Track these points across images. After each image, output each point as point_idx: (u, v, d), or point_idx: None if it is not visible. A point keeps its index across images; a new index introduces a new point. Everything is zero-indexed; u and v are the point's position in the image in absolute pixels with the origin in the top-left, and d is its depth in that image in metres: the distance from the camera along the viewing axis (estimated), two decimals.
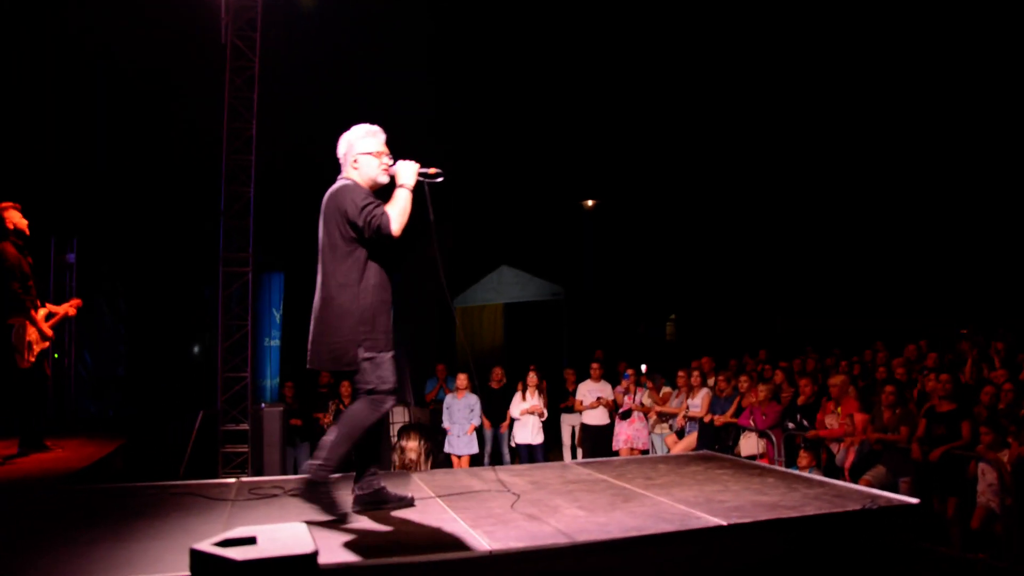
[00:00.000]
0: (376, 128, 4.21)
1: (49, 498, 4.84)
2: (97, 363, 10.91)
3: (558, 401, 11.10)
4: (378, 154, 4.13)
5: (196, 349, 13.51)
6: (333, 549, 3.42)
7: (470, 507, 4.28)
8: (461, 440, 9.97)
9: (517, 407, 10.34)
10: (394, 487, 4.41)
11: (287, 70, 10.25)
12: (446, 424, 10.21)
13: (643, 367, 11.74)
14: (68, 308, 6.86)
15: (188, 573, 2.57)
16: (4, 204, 6.49)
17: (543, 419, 10.27)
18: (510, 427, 10.50)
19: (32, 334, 6.33)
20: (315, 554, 2.27)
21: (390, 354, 4.03)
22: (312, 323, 4.06)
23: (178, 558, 3.25)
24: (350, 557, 3.32)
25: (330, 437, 3.98)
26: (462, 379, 10.10)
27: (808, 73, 16.22)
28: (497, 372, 11.00)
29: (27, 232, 6.54)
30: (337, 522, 3.93)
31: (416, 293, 16.15)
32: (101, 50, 10.76)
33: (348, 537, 3.66)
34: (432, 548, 3.48)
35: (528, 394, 10.33)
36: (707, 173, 18.10)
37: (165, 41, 10.37)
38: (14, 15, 9.91)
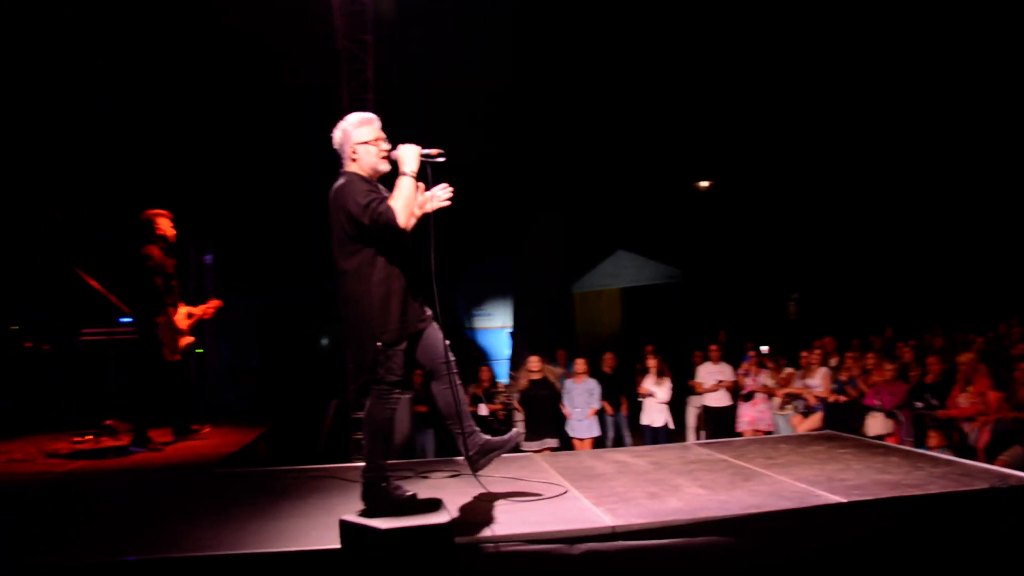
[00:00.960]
0: (370, 115, 4.10)
1: (204, 480, 5.29)
2: (233, 356, 11.61)
3: (682, 383, 11.13)
4: (375, 141, 4.00)
5: (325, 341, 14.17)
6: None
7: (593, 486, 4.46)
8: (582, 424, 10.13)
9: (644, 389, 10.43)
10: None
11: (400, 63, 10.60)
12: (567, 408, 10.40)
13: (764, 348, 11.60)
14: (206, 309, 7.32)
15: (339, 545, 2.83)
16: (157, 212, 7.02)
17: (663, 401, 10.30)
18: (630, 410, 10.61)
19: (179, 328, 6.85)
20: (451, 524, 2.48)
21: (402, 346, 3.97)
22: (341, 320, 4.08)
23: (323, 533, 3.57)
24: (482, 532, 3.54)
25: (364, 443, 4.06)
26: (580, 363, 10.26)
27: (937, 41, 15.56)
28: (609, 357, 11.12)
29: (173, 240, 7.05)
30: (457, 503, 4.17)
31: (534, 279, 16.39)
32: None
33: (474, 516, 3.91)
34: (556, 523, 3.69)
35: (650, 376, 10.41)
36: (826, 151, 17.59)
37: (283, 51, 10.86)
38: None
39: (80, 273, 7.38)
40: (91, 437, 7.12)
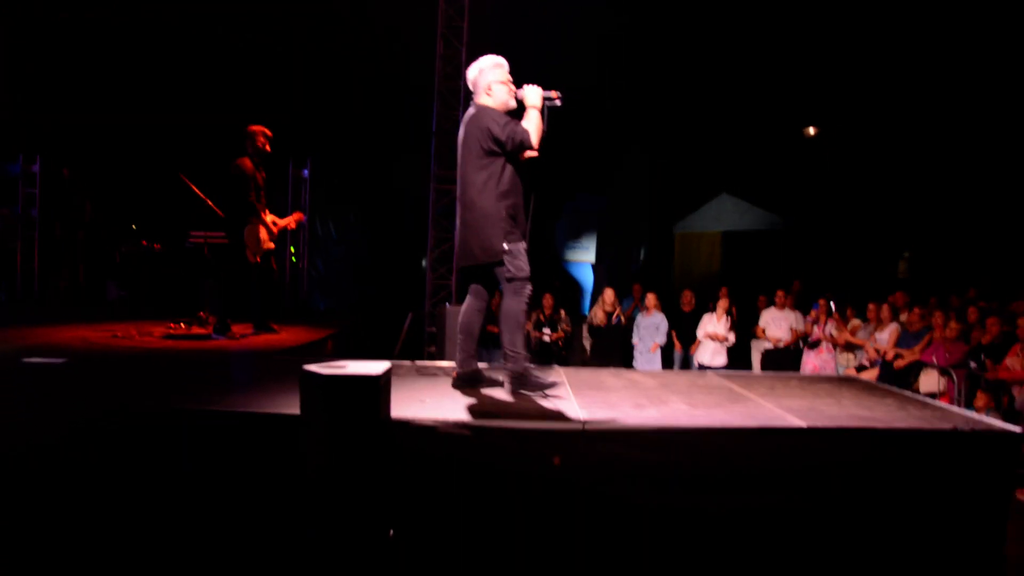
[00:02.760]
0: (502, 59, 4.84)
1: (266, 363, 6.02)
2: (328, 267, 12.47)
3: (751, 326, 11.31)
4: (506, 82, 4.78)
5: (424, 262, 14.89)
6: (457, 412, 4.19)
7: (591, 395, 4.90)
8: (644, 356, 10.52)
9: (703, 328, 10.69)
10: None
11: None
12: (635, 340, 10.79)
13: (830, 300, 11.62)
14: (290, 221, 8.05)
15: None
16: (258, 127, 7.73)
17: (727, 344, 10.55)
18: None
19: (262, 234, 7.57)
20: (379, 378, 2.98)
21: (523, 244, 4.70)
22: (459, 227, 4.88)
23: None
24: (464, 418, 4.05)
25: (504, 339, 4.76)
26: (651, 298, 10.61)
27: None
28: (687, 295, 11.38)
29: (267, 153, 7.73)
30: (477, 395, 4.76)
31: (620, 215, 16.64)
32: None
33: (475, 404, 4.45)
34: (535, 418, 4.16)
35: (717, 318, 10.65)
36: (942, 104, 16.89)
37: None
38: None
39: (185, 179, 8.16)
40: (183, 324, 8.02)
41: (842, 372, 10.09)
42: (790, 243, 17.71)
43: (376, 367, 3.08)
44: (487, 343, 10.91)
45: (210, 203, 8.11)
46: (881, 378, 9.03)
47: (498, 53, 4.98)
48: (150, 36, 12.01)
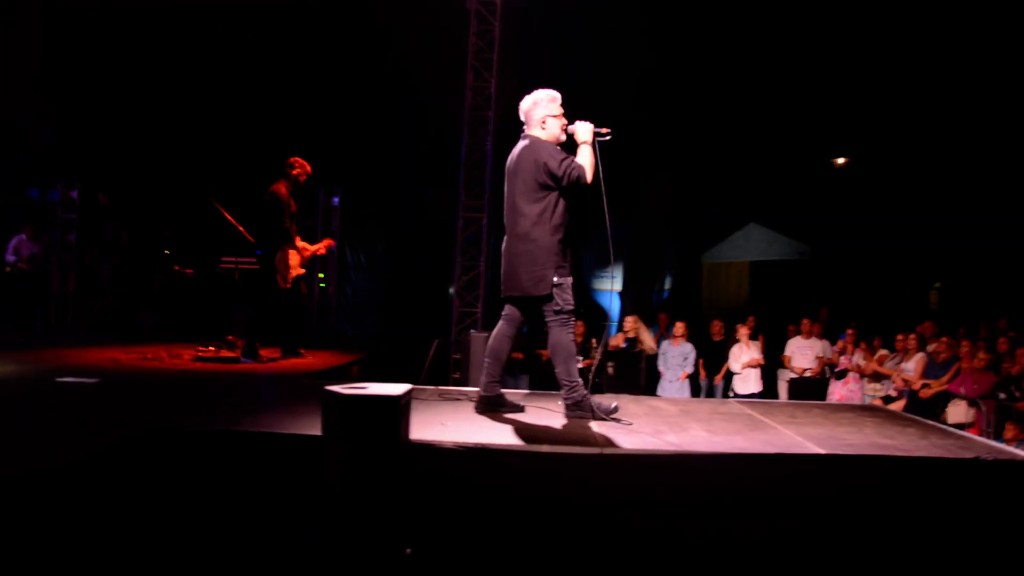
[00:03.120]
0: (556, 93, 4.95)
1: (291, 386, 6.13)
2: (356, 294, 12.64)
3: (778, 355, 11.27)
4: (559, 116, 4.91)
5: (452, 290, 15.02)
6: (476, 435, 4.25)
7: (612, 422, 4.94)
8: (672, 385, 10.50)
9: (736, 361, 10.65)
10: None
11: (527, 30, 11.11)
12: (661, 368, 10.79)
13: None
14: (320, 247, 8.23)
15: None
16: (300, 160, 7.91)
17: (761, 367, 10.50)
18: (725, 378, 10.87)
19: (293, 259, 7.72)
20: (399, 398, 3.05)
21: (570, 279, 4.85)
22: (506, 257, 4.95)
23: None
24: (481, 441, 4.11)
25: (558, 370, 4.89)
26: (679, 327, 10.61)
27: None
28: (717, 325, 11.37)
29: (301, 184, 7.90)
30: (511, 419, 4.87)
31: (646, 244, 16.69)
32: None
33: (494, 428, 4.51)
34: (552, 442, 4.22)
35: (744, 346, 10.62)
36: (974, 131, 16.80)
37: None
38: None
39: (216, 205, 8.35)
40: (213, 348, 8.16)
41: (869, 402, 10.01)
42: (818, 273, 17.63)
43: (396, 388, 3.16)
44: (511, 370, 11.00)
45: (240, 228, 8.28)
46: (908, 408, 8.95)
47: (525, 84, 5.11)
48: (188, 72, 12.34)
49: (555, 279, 4.72)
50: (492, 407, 5.08)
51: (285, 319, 7.95)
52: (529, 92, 5.03)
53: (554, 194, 4.73)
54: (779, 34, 15.61)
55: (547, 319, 4.85)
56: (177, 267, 11.57)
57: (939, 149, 17.06)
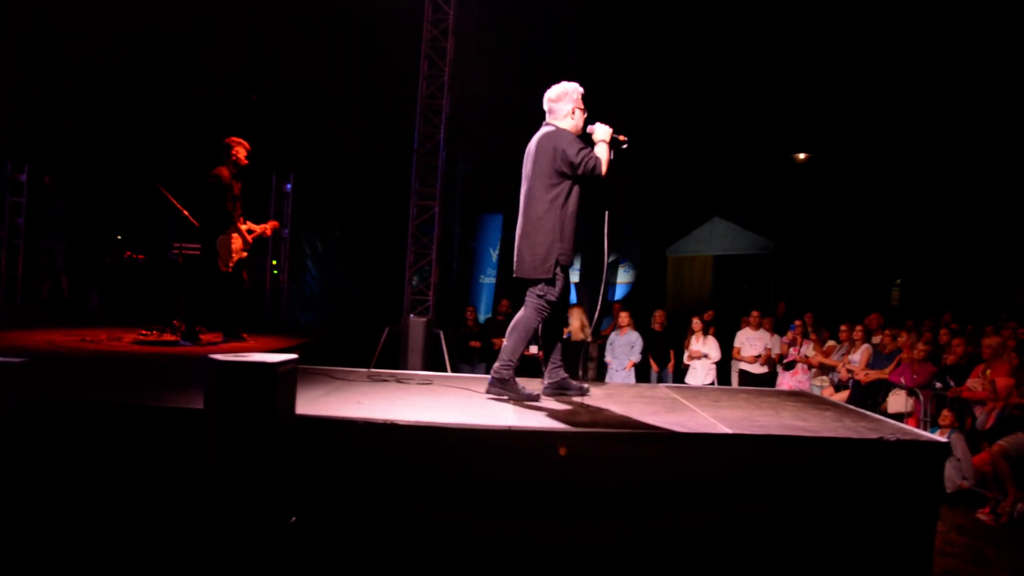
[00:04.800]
0: (581, 88, 5.07)
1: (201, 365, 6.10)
2: (312, 282, 12.58)
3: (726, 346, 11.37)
4: (584, 111, 5.05)
5: (415, 281, 14.98)
6: (380, 412, 4.26)
7: (533, 404, 4.95)
8: (619, 375, 10.57)
9: (688, 352, 10.73)
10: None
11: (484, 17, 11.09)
12: (608, 358, 10.84)
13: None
14: (266, 228, 8.17)
15: None
16: (237, 139, 7.85)
17: (710, 359, 10.58)
18: (680, 371, 10.95)
19: (235, 243, 7.67)
20: (276, 365, 3.04)
21: (563, 275, 4.96)
22: (518, 239, 5.05)
23: None
24: (379, 417, 4.12)
25: (508, 344, 4.99)
26: (624, 316, 10.68)
27: None
28: (659, 315, 11.46)
29: (243, 165, 7.84)
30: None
31: (598, 240, 16.69)
32: None
33: (405, 406, 4.52)
34: (463, 418, 4.23)
35: (695, 339, 10.70)
36: (934, 129, 16.95)
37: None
38: None
39: (161, 189, 8.28)
40: (156, 331, 8.12)
41: (816, 392, 10.10)
42: (780, 267, 17.77)
43: (280, 357, 3.16)
44: (469, 358, 11.03)
45: (185, 212, 8.23)
46: (852, 399, 9.07)
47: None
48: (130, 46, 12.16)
49: (557, 268, 4.86)
50: (560, 391, 5.25)
51: (226, 303, 7.91)
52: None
53: (568, 182, 4.83)
54: (741, 28, 15.68)
55: (527, 299, 4.98)
56: (129, 253, 11.47)
57: (899, 146, 17.21)
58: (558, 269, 4.87)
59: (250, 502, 2.94)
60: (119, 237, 12.37)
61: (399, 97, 10.87)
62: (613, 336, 10.86)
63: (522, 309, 5.01)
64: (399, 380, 5.78)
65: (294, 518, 3.17)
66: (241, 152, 7.79)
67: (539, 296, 4.90)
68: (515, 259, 5.06)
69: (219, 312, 8.00)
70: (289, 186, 11.60)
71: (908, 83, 16.33)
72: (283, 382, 3.11)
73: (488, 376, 5.15)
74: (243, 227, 7.85)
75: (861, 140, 17.27)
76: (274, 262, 11.64)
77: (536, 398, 5.00)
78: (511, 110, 12.55)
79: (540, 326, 5.14)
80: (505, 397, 4.94)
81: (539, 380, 5.54)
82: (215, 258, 7.58)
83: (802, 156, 18.01)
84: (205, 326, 8.10)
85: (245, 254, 7.90)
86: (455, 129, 10.67)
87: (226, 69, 12.18)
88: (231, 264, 7.69)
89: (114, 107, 12.10)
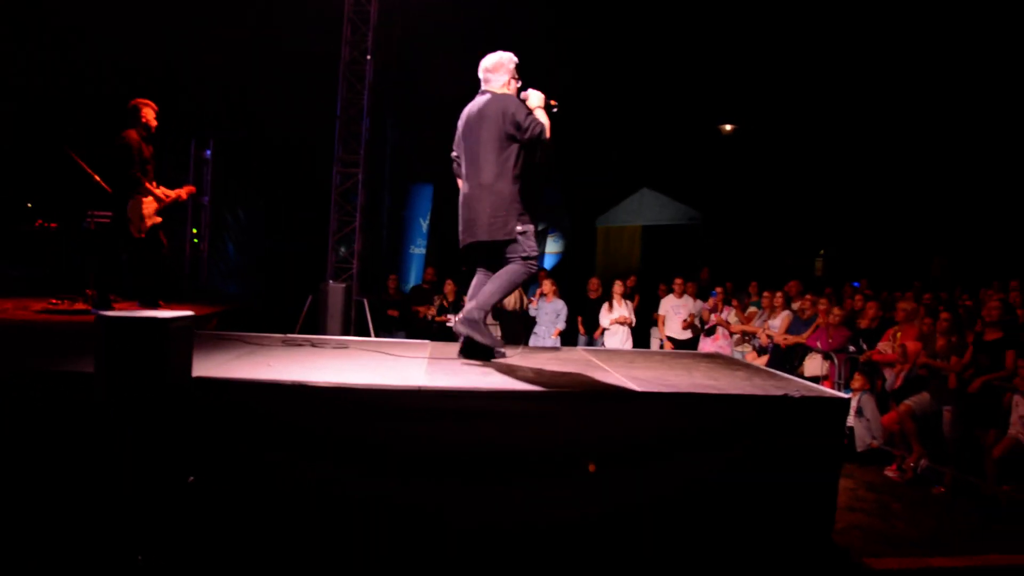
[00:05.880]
0: (516, 58, 5.16)
1: None
2: (234, 251, 12.33)
3: (650, 313, 11.51)
4: (518, 80, 5.14)
5: (343, 250, 14.80)
6: (287, 374, 4.20)
7: (447, 366, 4.94)
8: (546, 343, 10.61)
9: (606, 317, 10.84)
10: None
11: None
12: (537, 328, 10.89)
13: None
14: (181, 192, 7.94)
15: None
16: (144, 101, 7.62)
17: (631, 326, 10.71)
18: (602, 335, 11.05)
19: (147, 208, 7.46)
20: (168, 321, 2.96)
21: (532, 227, 5.01)
22: (467, 205, 5.05)
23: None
24: (282, 378, 4.07)
25: (489, 288, 5.01)
26: (547, 284, 10.73)
27: None
28: (593, 282, 11.55)
29: (153, 127, 7.62)
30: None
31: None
32: None
33: (313, 368, 4.46)
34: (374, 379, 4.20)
35: (615, 304, 10.80)
36: (857, 100, 17.32)
37: None
38: None
39: (71, 154, 8.00)
40: (67, 301, 7.88)
41: (738, 357, 10.29)
42: (708, 237, 18.03)
43: (173, 314, 3.08)
44: (389, 327, 10.96)
45: (97, 178, 7.97)
46: (771, 363, 9.26)
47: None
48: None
49: (519, 227, 4.90)
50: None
51: (142, 271, 7.70)
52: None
53: (516, 146, 4.90)
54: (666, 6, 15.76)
55: (511, 263, 4.99)
56: (40, 221, 11.09)
57: (825, 117, 17.53)
58: (526, 227, 4.93)
59: (142, 463, 2.87)
60: (29, 205, 11.96)
61: (325, 64, 10.65)
62: (541, 303, 10.90)
63: (511, 264, 5.00)
64: (314, 344, 5.72)
65: (192, 478, 3.11)
66: (149, 114, 7.57)
67: (523, 258, 4.96)
68: (464, 225, 5.05)
69: (135, 280, 7.79)
70: (209, 152, 11.32)
71: (833, 58, 16.62)
72: (177, 340, 3.03)
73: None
74: (156, 191, 7.64)
75: (787, 112, 17.53)
76: (194, 230, 11.39)
77: (502, 347, 5.15)
78: (440, 79, 12.44)
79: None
80: (477, 337, 5.00)
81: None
82: (127, 224, 7.37)
83: (728, 127, 18.22)
84: (120, 295, 7.89)
85: (159, 219, 7.68)
86: (382, 98, 10.53)
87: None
88: (144, 230, 7.48)
89: (19, 70, 11.60)
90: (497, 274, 5.02)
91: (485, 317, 5.02)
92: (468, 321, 5.00)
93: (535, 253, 4.99)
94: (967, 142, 16.67)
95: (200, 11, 11.48)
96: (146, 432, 2.87)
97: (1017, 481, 6.63)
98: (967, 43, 15.83)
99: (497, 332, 10.07)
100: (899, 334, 8.17)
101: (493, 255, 5.07)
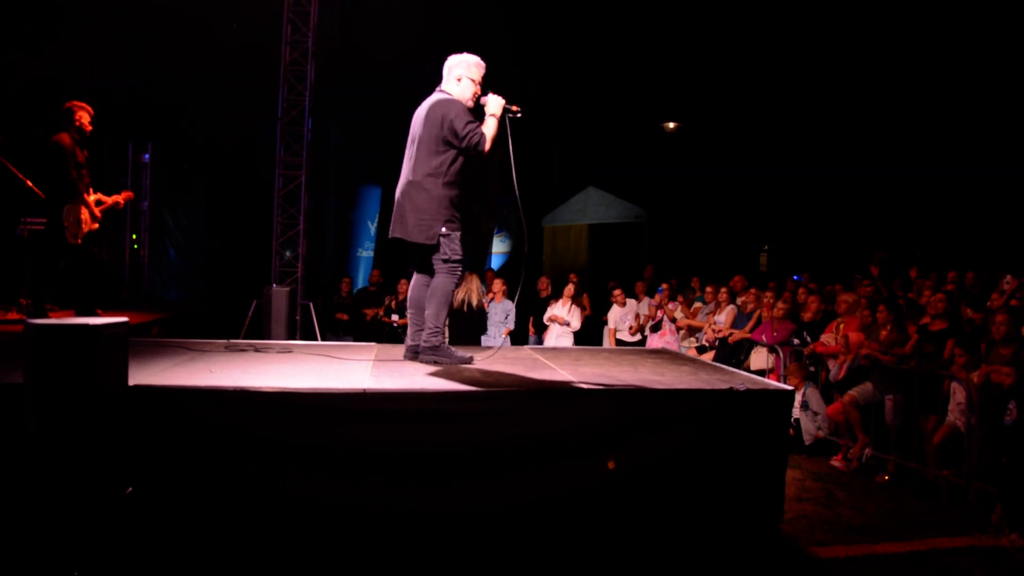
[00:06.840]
0: (483, 63, 5.04)
1: None
2: (176, 257, 12.08)
3: (602, 314, 11.55)
4: (477, 83, 4.98)
5: (288, 254, 14.62)
6: (228, 381, 4.12)
7: (393, 368, 4.90)
8: (496, 342, 10.57)
9: (548, 313, 10.87)
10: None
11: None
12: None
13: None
14: (118, 198, 7.76)
15: None
16: (79, 103, 7.41)
17: (571, 328, 10.73)
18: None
19: (83, 214, 7.27)
20: (98, 328, 2.87)
21: (459, 233, 4.91)
22: (398, 200, 4.98)
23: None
24: (225, 384, 4.00)
25: (430, 312, 4.93)
26: (497, 283, 10.69)
27: None
28: (543, 282, 11.55)
29: (87, 131, 7.42)
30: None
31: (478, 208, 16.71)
32: None
33: (261, 373, 4.38)
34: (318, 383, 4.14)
35: (562, 303, 10.83)
36: (801, 97, 17.57)
37: None
38: None
39: (0, 159, 7.76)
40: (0, 310, 7.65)
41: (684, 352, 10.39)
42: (653, 235, 18.16)
43: (105, 321, 2.99)
44: (336, 330, 10.84)
45: (29, 183, 7.75)
46: (717, 357, 9.36)
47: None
48: None
49: (443, 230, 4.81)
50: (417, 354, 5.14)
51: (79, 279, 7.51)
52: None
53: (453, 152, 4.81)
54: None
55: (435, 267, 4.93)
56: None
57: (768, 113, 17.76)
58: (450, 233, 4.84)
59: (74, 475, 2.78)
60: None
61: (268, 61, 10.46)
62: (491, 304, 10.87)
63: (436, 277, 4.95)
64: (258, 349, 5.63)
65: (130, 489, 3.03)
66: (84, 117, 7.37)
67: (445, 261, 4.89)
68: (393, 218, 4.99)
69: (71, 288, 7.59)
70: (147, 156, 11.07)
71: (774, 54, 16.84)
72: (109, 348, 2.94)
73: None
74: (91, 197, 7.46)
75: (730, 109, 17.74)
76: (134, 236, 11.13)
77: (469, 360, 5.06)
78: (386, 82, 12.34)
79: (421, 288, 5.13)
80: (443, 362, 4.95)
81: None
82: (62, 231, 7.17)
83: (671, 125, 18.38)
84: (57, 303, 7.68)
85: (95, 225, 7.51)
86: (325, 99, 10.42)
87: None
88: (80, 236, 7.30)
89: None
90: (430, 291, 4.97)
91: (442, 337, 5.00)
92: (429, 349, 4.97)
93: (457, 256, 4.90)
94: (905, 137, 17.03)
95: (135, 7, 11.19)
96: (78, 443, 2.78)
97: (956, 465, 6.78)
98: (903, 33, 16.14)
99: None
100: (842, 326, 8.30)
101: (420, 254, 5.03)
